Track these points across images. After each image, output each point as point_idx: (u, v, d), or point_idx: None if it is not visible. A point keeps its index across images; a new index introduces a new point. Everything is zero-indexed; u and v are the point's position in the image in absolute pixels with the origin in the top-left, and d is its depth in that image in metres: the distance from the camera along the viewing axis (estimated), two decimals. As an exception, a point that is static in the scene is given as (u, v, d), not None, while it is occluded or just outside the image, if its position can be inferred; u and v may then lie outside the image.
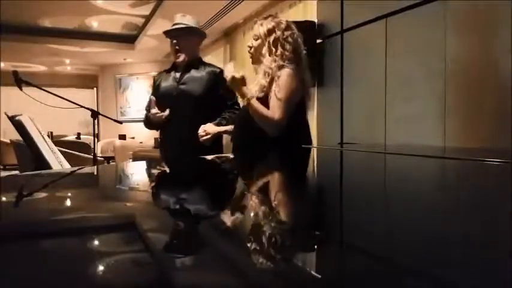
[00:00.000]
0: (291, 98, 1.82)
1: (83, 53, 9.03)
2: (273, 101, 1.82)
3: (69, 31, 7.70)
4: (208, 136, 2.09)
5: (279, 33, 1.90)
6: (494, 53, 2.34)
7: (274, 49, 1.88)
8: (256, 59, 1.96)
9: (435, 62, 2.66)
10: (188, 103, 2.35)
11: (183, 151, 2.32)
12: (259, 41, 1.93)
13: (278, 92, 1.80)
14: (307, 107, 1.97)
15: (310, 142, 2.02)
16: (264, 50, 1.90)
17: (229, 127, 2.18)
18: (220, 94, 2.29)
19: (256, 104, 1.81)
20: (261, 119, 1.81)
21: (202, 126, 2.17)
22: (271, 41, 1.89)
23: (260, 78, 1.88)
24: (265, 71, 1.86)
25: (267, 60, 1.87)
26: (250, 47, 1.97)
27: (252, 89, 1.90)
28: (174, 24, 2.45)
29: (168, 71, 2.53)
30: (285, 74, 1.83)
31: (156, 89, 2.52)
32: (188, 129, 2.28)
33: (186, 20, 2.44)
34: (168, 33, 2.47)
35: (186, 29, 2.42)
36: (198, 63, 2.46)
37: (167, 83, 2.46)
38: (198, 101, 2.33)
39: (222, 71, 2.46)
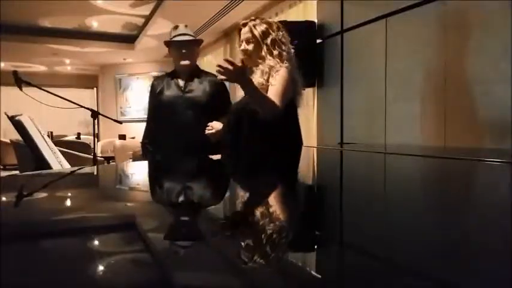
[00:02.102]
0: (286, 92, 1.83)
1: (83, 53, 9.02)
2: (271, 92, 1.81)
3: (69, 31, 7.70)
4: (213, 131, 2.11)
5: (274, 34, 1.90)
6: (494, 53, 2.34)
7: (273, 51, 1.88)
8: (253, 61, 1.93)
9: (435, 62, 2.66)
10: (194, 111, 2.40)
11: (186, 155, 2.34)
12: (252, 44, 1.90)
13: (275, 84, 1.81)
14: (298, 106, 1.97)
15: (301, 142, 2.02)
16: (263, 52, 1.88)
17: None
18: (220, 102, 2.36)
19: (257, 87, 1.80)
20: (262, 100, 1.78)
21: (210, 123, 2.20)
22: (268, 43, 1.89)
23: (258, 76, 1.87)
24: (264, 70, 1.86)
25: (269, 61, 1.87)
26: (246, 51, 1.92)
27: None
28: (179, 35, 2.48)
29: (168, 78, 2.53)
30: (283, 71, 1.84)
31: (156, 95, 2.52)
32: (193, 136, 2.31)
33: (189, 30, 2.51)
34: (175, 43, 2.49)
35: (194, 41, 2.49)
36: (199, 71, 2.53)
37: (171, 91, 2.48)
38: (203, 109, 2.38)
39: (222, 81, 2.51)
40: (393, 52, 2.99)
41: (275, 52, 1.88)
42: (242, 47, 1.95)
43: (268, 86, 1.84)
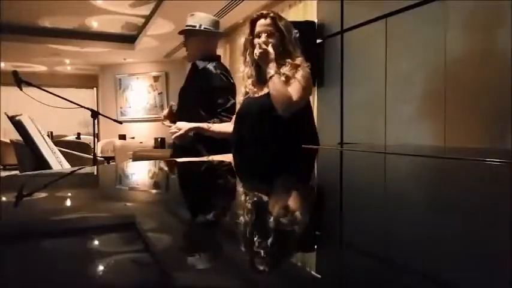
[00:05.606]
0: (306, 90, 1.80)
1: (83, 53, 9.04)
2: (295, 85, 1.77)
3: (69, 31, 7.71)
4: (181, 132, 2.05)
5: (294, 32, 1.86)
6: (494, 53, 2.34)
7: (297, 48, 1.84)
8: (275, 55, 1.79)
9: (435, 61, 2.65)
10: (187, 105, 2.36)
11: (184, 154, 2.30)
12: (275, 37, 1.81)
13: (301, 79, 1.77)
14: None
15: (317, 143, 2.02)
16: (291, 48, 1.82)
17: (205, 124, 2.14)
18: (212, 97, 2.26)
19: (279, 79, 1.75)
20: (280, 94, 1.73)
21: (178, 123, 2.14)
22: (292, 39, 1.83)
23: (286, 70, 1.79)
24: (293, 63, 1.80)
25: (297, 58, 1.81)
26: (267, 42, 1.80)
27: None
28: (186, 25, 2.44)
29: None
30: (307, 70, 1.81)
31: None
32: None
33: (192, 20, 2.39)
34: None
35: (186, 31, 2.41)
36: (201, 63, 2.38)
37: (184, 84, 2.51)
38: (194, 103, 2.31)
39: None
40: (393, 52, 2.99)
41: (299, 50, 1.84)
42: (262, 39, 1.81)
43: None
